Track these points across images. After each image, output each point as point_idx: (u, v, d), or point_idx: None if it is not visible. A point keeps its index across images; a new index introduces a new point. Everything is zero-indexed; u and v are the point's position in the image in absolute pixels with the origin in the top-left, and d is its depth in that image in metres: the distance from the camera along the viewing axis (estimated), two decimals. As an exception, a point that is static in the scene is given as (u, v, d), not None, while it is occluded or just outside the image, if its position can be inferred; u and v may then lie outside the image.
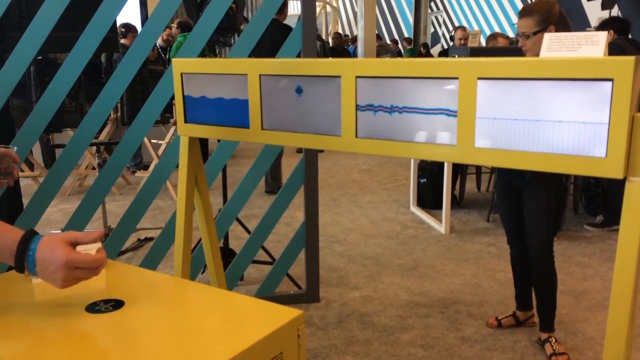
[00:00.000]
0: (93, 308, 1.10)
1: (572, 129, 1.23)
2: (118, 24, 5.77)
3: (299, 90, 1.62)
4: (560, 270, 3.36)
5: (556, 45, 1.30)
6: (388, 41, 15.28)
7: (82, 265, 1.05)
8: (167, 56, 6.41)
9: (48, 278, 1.05)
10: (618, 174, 1.19)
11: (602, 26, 4.09)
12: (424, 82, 1.41)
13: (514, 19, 9.88)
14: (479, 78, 1.32)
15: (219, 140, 2.76)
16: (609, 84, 1.17)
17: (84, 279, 1.07)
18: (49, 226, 4.22)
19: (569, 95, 1.22)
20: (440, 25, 15.03)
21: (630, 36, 4.09)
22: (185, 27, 5.99)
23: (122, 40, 5.55)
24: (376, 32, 13.63)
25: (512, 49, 4.16)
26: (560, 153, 1.25)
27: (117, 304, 1.11)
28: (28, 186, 4.89)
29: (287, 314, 1.04)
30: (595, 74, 1.19)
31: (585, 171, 1.24)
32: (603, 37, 1.26)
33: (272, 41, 5.93)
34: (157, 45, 6.40)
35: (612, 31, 3.91)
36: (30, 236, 1.06)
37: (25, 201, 2.64)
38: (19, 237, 1.05)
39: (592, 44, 1.27)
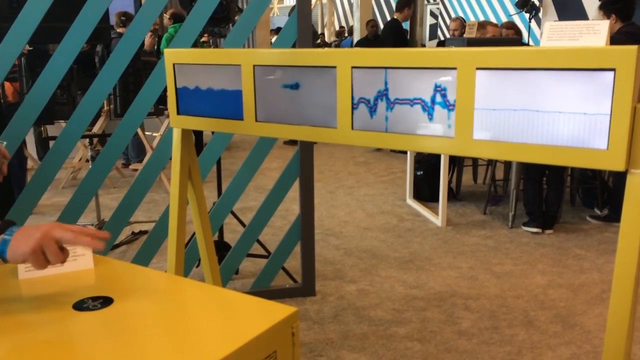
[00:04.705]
0: (81, 305, 1.07)
1: (573, 120, 1.20)
2: (117, 12, 5.71)
3: (295, 87, 1.58)
4: (557, 263, 3.36)
5: (557, 35, 1.27)
6: (384, 33, 15.20)
7: (68, 229, 1.03)
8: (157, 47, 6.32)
9: (20, 242, 1.01)
10: (619, 167, 1.17)
11: (603, 7, 3.93)
12: (421, 72, 1.38)
13: (511, 9, 9.83)
14: (477, 68, 1.29)
15: (213, 132, 2.72)
16: (611, 74, 1.14)
17: (56, 255, 1.03)
18: (42, 219, 4.18)
19: (569, 85, 1.19)
20: (437, 17, 14.97)
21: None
22: (177, 18, 5.92)
23: (121, 29, 5.47)
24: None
25: (510, 39, 4.12)
26: (560, 145, 1.22)
27: (106, 301, 1.08)
28: (21, 179, 4.85)
29: (282, 311, 1.01)
30: (597, 63, 1.16)
31: (585, 163, 1.22)
32: (605, 26, 1.23)
33: (382, 37, 6.04)
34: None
35: (614, 16, 3.80)
36: (13, 223, 1.04)
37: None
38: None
39: (594, 33, 1.24)
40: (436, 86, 1.36)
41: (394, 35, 6.18)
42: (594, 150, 1.19)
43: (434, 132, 1.38)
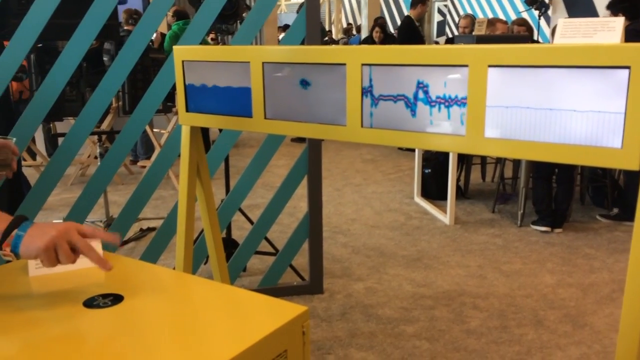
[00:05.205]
0: (91, 303, 1.06)
1: (587, 119, 1.19)
2: (125, 9, 5.70)
3: (304, 83, 1.58)
4: (567, 262, 3.33)
5: (571, 32, 1.25)
6: (392, 30, 15.16)
7: (81, 236, 1.04)
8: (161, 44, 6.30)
9: (34, 238, 1.01)
10: (634, 166, 1.15)
11: (611, 6, 3.93)
12: (432, 69, 1.37)
13: (520, 7, 9.78)
14: (489, 65, 1.27)
15: (220, 130, 2.72)
16: (626, 71, 1.13)
17: (68, 255, 1.03)
18: (51, 215, 4.20)
19: (583, 83, 1.18)
20: (444, 15, 14.91)
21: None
22: (181, 16, 5.90)
23: (129, 27, 5.46)
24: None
25: (519, 37, 4.10)
26: (573, 144, 1.21)
27: (116, 299, 1.08)
28: (30, 175, 4.87)
29: (292, 310, 1.01)
30: (612, 61, 1.14)
31: (599, 162, 1.20)
32: (620, 23, 1.22)
33: (398, 34, 5.96)
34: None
35: (621, 14, 3.80)
36: (25, 218, 1.05)
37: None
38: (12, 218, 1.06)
39: (609, 30, 1.22)
40: (447, 83, 1.35)
41: (405, 32, 6.11)
42: (608, 149, 1.17)
43: (445, 130, 1.37)
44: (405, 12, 16.84)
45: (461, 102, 1.33)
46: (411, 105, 1.41)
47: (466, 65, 1.31)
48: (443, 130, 1.37)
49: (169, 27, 6.26)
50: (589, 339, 2.48)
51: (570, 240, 3.70)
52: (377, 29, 7.90)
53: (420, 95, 1.40)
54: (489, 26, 4.81)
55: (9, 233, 1.02)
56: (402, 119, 1.43)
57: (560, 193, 3.93)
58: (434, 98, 1.37)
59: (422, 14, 6.19)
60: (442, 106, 1.36)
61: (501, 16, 11.14)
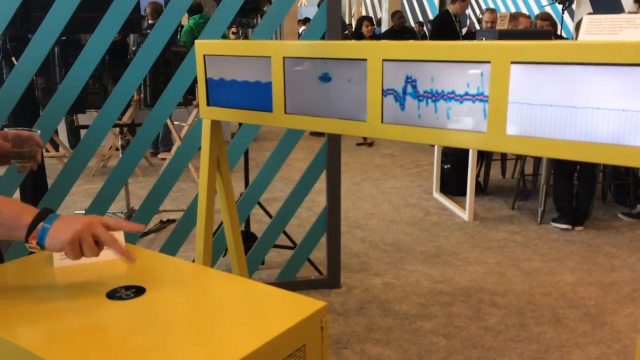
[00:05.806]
0: (114, 294, 1.08)
1: (611, 117, 1.17)
2: (148, 2, 5.72)
3: (324, 78, 1.58)
4: (588, 261, 3.30)
5: (596, 28, 1.24)
6: (413, 24, 15.05)
7: (106, 229, 1.05)
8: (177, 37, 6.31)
9: (59, 231, 1.03)
10: (659, 165, 1.14)
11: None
12: (454, 65, 1.36)
13: (543, 1, 9.64)
14: (512, 62, 1.26)
15: (240, 124, 2.73)
16: (652, 69, 1.11)
17: (92, 249, 1.05)
18: (73, 206, 4.26)
19: (608, 81, 1.16)
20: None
21: None
22: (195, 10, 5.90)
23: (153, 21, 5.49)
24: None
25: (542, 32, 4.04)
26: (597, 142, 1.19)
27: (139, 291, 1.09)
28: (52, 166, 4.95)
29: (311, 305, 1.01)
30: (637, 58, 1.12)
31: (623, 161, 1.19)
32: (646, 19, 1.20)
33: (431, 27, 5.75)
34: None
35: None
36: (51, 210, 1.07)
37: (50, 182, 2.65)
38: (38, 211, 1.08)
39: (634, 27, 1.20)
40: (468, 80, 1.34)
41: (438, 26, 5.96)
42: (632, 147, 1.16)
43: (466, 127, 1.36)
44: (426, 6, 16.69)
45: (483, 99, 1.32)
46: (432, 101, 1.41)
47: (488, 62, 1.30)
48: (464, 126, 1.36)
49: (188, 19, 6.27)
50: (608, 339, 2.45)
51: (591, 238, 3.66)
52: (365, 22, 7.84)
53: (442, 90, 1.39)
54: (511, 20, 4.75)
55: (35, 226, 1.04)
56: (423, 115, 1.42)
57: (582, 190, 3.89)
58: (456, 94, 1.37)
59: (462, 11, 5.95)
60: (464, 102, 1.35)
61: (524, 10, 11.00)
